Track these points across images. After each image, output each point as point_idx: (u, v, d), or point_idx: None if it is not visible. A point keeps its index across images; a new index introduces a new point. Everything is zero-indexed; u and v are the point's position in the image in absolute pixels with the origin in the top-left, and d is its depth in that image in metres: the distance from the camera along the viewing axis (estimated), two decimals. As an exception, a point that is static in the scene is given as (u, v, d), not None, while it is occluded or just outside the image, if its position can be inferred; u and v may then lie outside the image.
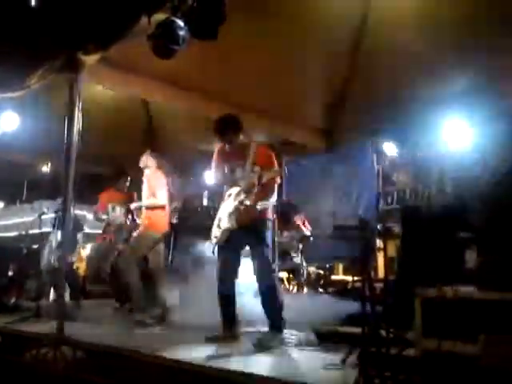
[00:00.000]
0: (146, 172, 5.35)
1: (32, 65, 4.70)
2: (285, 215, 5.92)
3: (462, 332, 2.40)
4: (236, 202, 3.87)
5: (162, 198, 5.17)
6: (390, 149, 6.76)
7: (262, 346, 3.42)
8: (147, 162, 5.36)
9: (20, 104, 5.52)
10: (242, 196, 3.85)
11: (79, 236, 6.42)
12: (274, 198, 3.97)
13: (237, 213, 3.86)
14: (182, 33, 3.80)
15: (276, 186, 3.92)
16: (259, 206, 3.83)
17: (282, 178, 4.01)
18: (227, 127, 3.96)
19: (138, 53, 4.54)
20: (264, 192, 3.85)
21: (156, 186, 5.21)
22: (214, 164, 4.15)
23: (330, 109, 7.34)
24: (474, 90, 5.60)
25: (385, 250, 4.71)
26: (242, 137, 4.03)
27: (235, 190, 3.94)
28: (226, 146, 4.00)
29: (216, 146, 4.17)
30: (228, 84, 6.00)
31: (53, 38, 4.60)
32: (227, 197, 4.03)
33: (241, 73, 5.84)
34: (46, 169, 9.39)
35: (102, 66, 5.03)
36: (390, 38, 5.77)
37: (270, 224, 3.95)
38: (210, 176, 4.23)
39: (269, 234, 3.90)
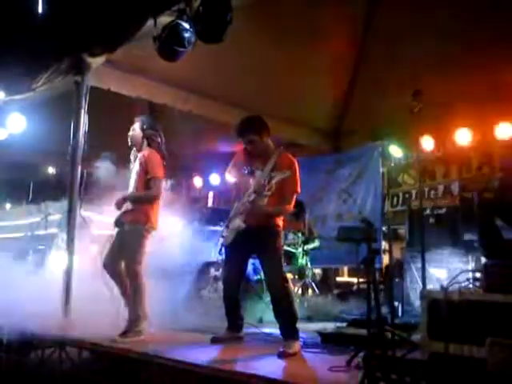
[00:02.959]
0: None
1: (39, 67, 4.74)
2: (295, 214, 5.88)
3: (469, 335, 2.39)
4: (246, 203, 3.85)
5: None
6: (395, 150, 6.75)
7: (285, 355, 3.38)
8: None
9: (27, 106, 5.54)
10: (252, 196, 3.83)
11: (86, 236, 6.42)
12: (290, 209, 3.90)
13: (245, 213, 3.83)
14: (187, 35, 3.82)
15: (294, 196, 3.85)
16: (270, 209, 3.80)
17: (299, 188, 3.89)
18: (246, 128, 3.91)
19: (143, 55, 4.55)
20: (280, 199, 3.80)
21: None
22: (232, 161, 4.11)
23: (335, 111, 7.33)
24: (479, 92, 5.58)
25: (390, 251, 4.71)
26: (269, 141, 3.97)
27: (250, 192, 3.87)
28: (249, 147, 3.94)
29: (239, 147, 4.12)
30: (233, 86, 6.01)
31: (59, 41, 4.63)
32: (243, 196, 3.97)
33: (246, 74, 5.84)
34: (52, 170, 9.43)
35: (108, 67, 5.05)
36: (398, 41, 5.76)
37: (281, 232, 3.90)
38: (228, 176, 4.18)
39: (280, 243, 3.85)
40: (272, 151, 3.94)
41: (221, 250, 4.15)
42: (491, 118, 5.91)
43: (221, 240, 4.02)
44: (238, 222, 3.85)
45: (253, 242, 3.84)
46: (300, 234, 6.05)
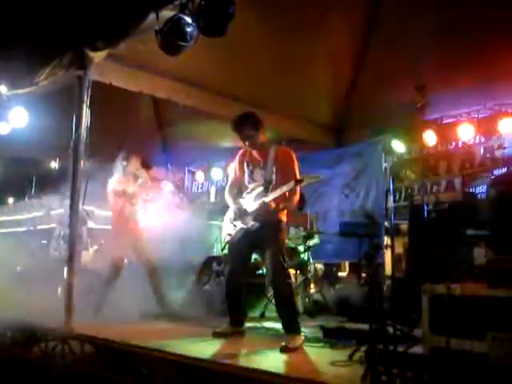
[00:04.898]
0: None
1: (41, 62, 4.73)
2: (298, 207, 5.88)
3: (471, 329, 2.39)
4: (257, 202, 3.84)
5: None
6: (398, 145, 6.72)
7: (288, 350, 3.39)
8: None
9: (29, 100, 5.54)
10: (261, 193, 3.83)
11: (84, 229, 6.42)
12: (297, 199, 3.93)
13: (256, 212, 3.84)
14: (189, 29, 3.80)
15: (298, 189, 3.88)
16: (281, 205, 3.79)
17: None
18: (244, 123, 3.94)
19: (145, 49, 4.53)
20: (289, 195, 3.81)
21: None
22: (235, 160, 4.16)
23: (338, 106, 7.30)
24: (483, 88, 5.56)
25: (392, 247, 4.70)
26: (263, 137, 4.00)
27: (256, 189, 3.91)
28: (247, 144, 3.97)
29: (240, 150, 4.18)
30: (237, 81, 5.99)
31: (61, 35, 4.62)
32: (245, 195, 4.02)
33: (250, 70, 5.82)
34: (54, 164, 9.44)
35: (110, 62, 5.04)
36: (400, 36, 5.73)
37: (284, 227, 3.93)
38: (229, 173, 4.24)
39: (283, 237, 3.87)
40: (269, 145, 4.00)
41: (224, 246, 4.16)
42: (494, 111, 5.89)
43: (227, 238, 4.02)
44: (249, 221, 3.85)
45: (257, 238, 3.86)
46: (302, 229, 6.04)
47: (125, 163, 5.49)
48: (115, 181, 5.40)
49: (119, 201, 5.31)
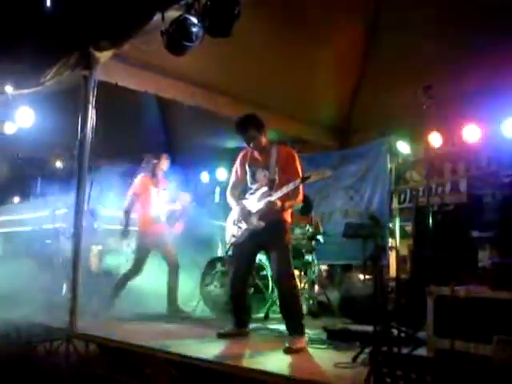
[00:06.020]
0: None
1: (47, 62, 4.75)
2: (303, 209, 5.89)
3: (475, 332, 2.39)
4: (262, 202, 3.84)
5: None
6: (402, 147, 6.70)
7: (291, 351, 3.39)
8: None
9: (35, 100, 5.56)
10: (266, 193, 3.83)
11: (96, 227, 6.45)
12: (300, 199, 3.95)
13: (262, 212, 3.84)
14: (195, 30, 3.81)
15: (301, 188, 3.88)
16: (286, 204, 3.80)
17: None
18: (247, 125, 3.96)
19: (151, 49, 4.54)
20: (293, 193, 3.82)
21: None
22: (237, 161, 4.19)
23: (343, 107, 7.29)
24: (488, 88, 5.53)
25: (397, 248, 4.69)
26: (265, 138, 4.02)
27: (259, 189, 3.92)
28: (251, 145, 3.99)
29: (241, 152, 4.21)
30: (241, 81, 6.00)
31: (67, 35, 4.64)
32: (248, 195, 4.03)
33: (254, 70, 5.82)
34: (60, 164, 9.46)
35: (116, 62, 5.05)
36: (404, 36, 5.72)
37: (289, 228, 3.93)
38: (231, 177, 4.28)
39: (288, 238, 3.88)
40: (271, 146, 4.03)
41: (229, 248, 4.17)
42: (500, 113, 5.85)
43: (232, 239, 4.02)
44: (253, 222, 3.85)
45: (262, 239, 3.86)
46: (307, 229, 6.02)
47: (155, 161, 5.59)
48: (142, 179, 5.57)
49: (145, 201, 5.47)
